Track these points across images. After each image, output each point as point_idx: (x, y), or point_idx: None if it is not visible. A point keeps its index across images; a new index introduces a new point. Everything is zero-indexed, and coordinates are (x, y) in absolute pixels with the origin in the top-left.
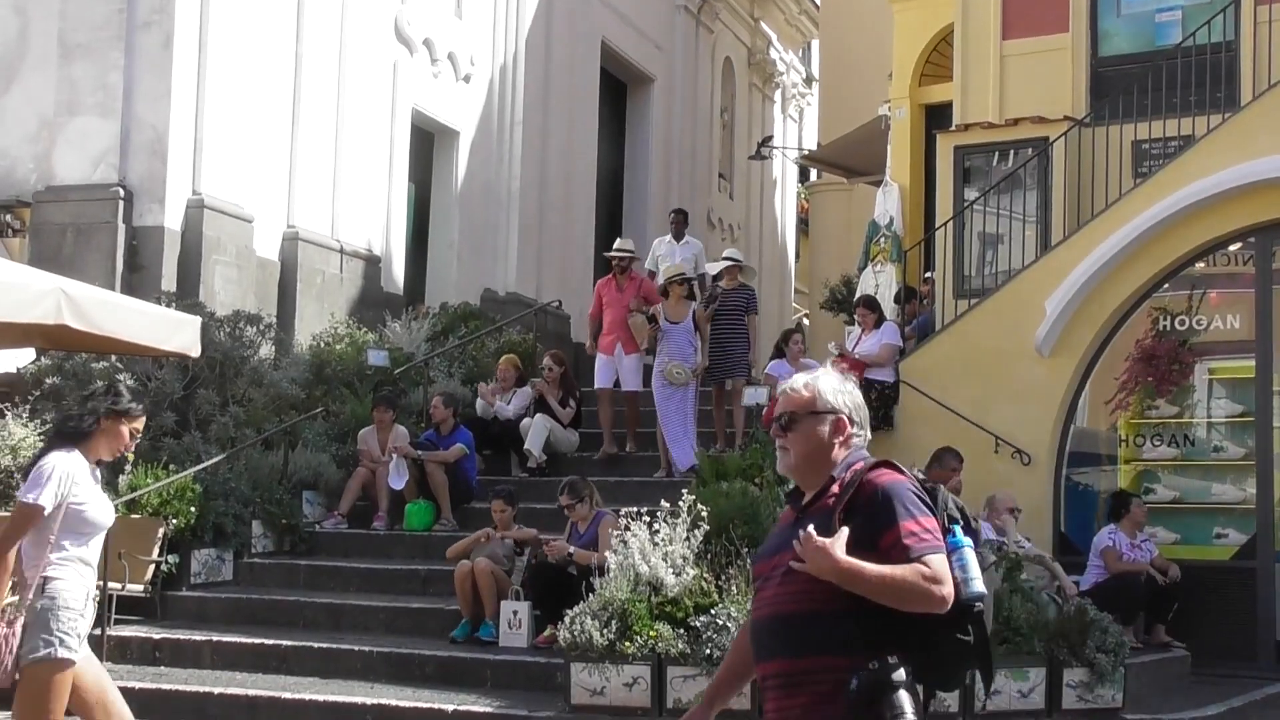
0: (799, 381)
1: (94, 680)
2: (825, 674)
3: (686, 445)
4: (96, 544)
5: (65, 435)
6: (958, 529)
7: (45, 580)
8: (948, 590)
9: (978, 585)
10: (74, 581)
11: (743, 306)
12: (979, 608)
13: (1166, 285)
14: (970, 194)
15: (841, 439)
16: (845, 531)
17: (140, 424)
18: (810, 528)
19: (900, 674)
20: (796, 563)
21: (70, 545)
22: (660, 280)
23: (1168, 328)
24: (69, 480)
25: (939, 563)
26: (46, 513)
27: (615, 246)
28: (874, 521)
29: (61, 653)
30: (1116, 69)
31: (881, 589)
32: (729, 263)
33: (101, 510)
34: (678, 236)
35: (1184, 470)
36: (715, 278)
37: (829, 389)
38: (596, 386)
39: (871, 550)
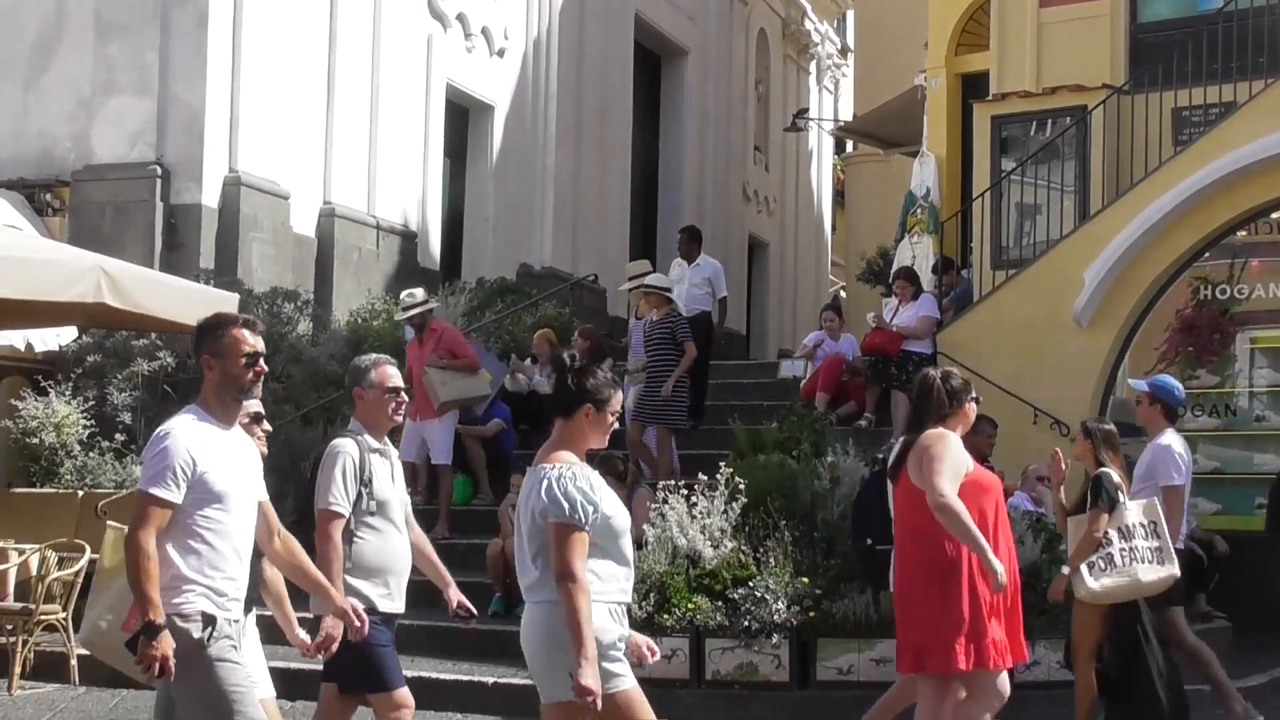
0: None
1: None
2: None
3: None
4: None
5: None
6: None
7: None
8: None
9: None
10: None
11: (669, 338)
12: None
13: (1207, 254)
14: (1008, 164)
15: None
16: None
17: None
18: None
19: None
20: None
21: None
22: (624, 287)
23: (1208, 297)
24: None
25: None
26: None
27: (402, 301)
28: None
29: None
30: (1156, 35)
31: None
32: (640, 287)
33: None
34: (689, 258)
35: (1225, 440)
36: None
37: None
38: (400, 459)
39: None
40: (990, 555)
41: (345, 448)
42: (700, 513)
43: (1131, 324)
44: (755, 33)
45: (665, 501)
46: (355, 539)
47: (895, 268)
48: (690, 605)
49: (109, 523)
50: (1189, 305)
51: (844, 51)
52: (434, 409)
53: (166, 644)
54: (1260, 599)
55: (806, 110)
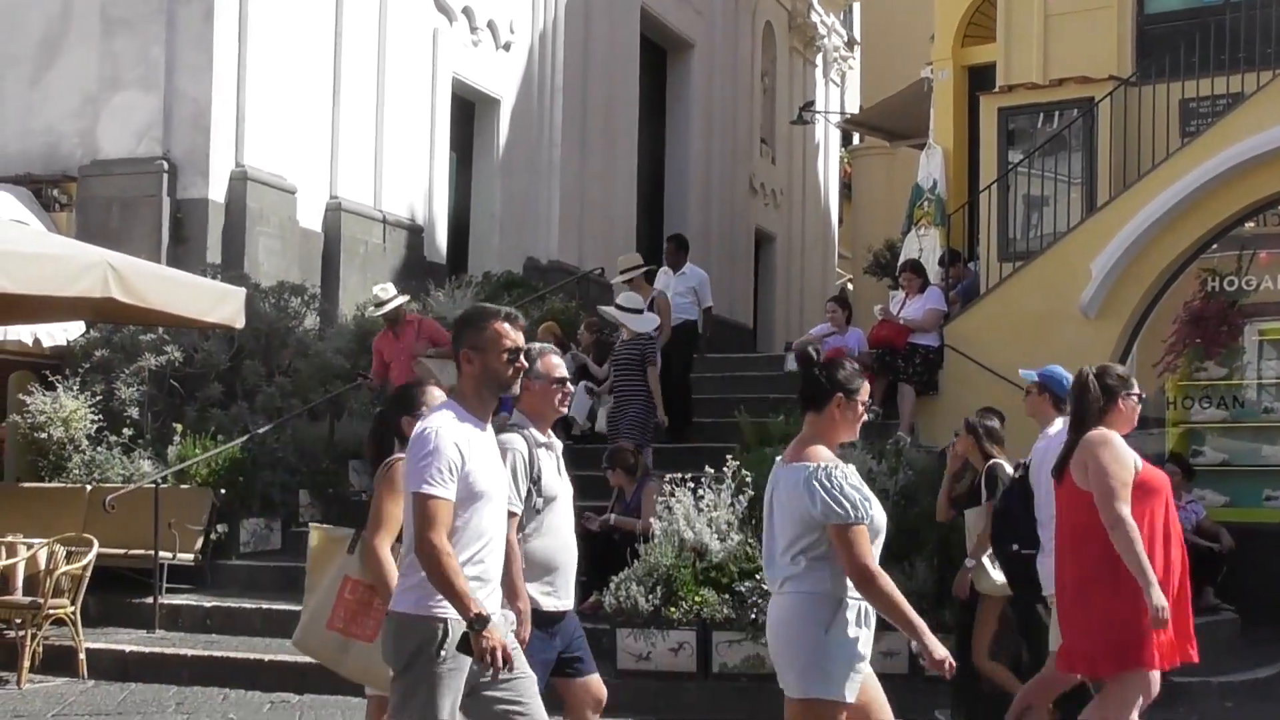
0: None
1: None
2: None
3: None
4: None
5: None
6: None
7: None
8: None
9: None
10: None
11: (637, 360)
12: None
13: (1215, 245)
14: (1014, 156)
15: None
16: None
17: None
18: None
19: None
20: None
21: None
22: (616, 280)
23: (1216, 288)
24: None
25: None
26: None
27: (375, 297)
28: None
29: None
30: (1163, 26)
31: None
32: (618, 312)
33: None
34: (675, 266)
35: (1233, 432)
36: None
37: None
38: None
39: None
40: (1154, 590)
41: (514, 443)
42: (707, 506)
43: (1139, 316)
44: (761, 26)
45: (672, 494)
46: (523, 537)
47: (902, 260)
48: (697, 598)
49: (312, 524)
50: (1197, 297)
51: (850, 44)
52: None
53: (497, 634)
54: (1268, 592)
55: (813, 103)
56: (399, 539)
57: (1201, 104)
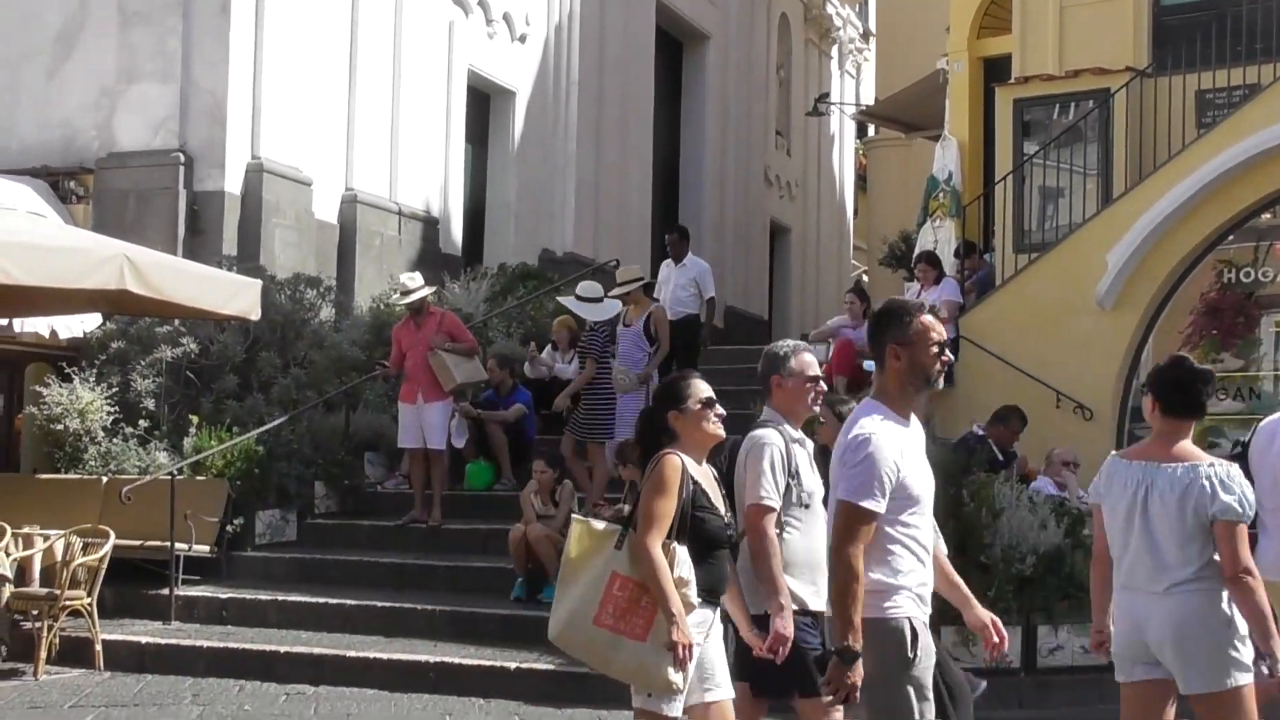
0: None
1: None
2: None
3: None
4: None
5: None
6: None
7: None
8: None
9: None
10: None
11: (597, 351)
12: None
13: (1231, 237)
14: (1030, 148)
15: None
16: None
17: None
18: None
19: None
20: None
21: None
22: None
23: (1233, 280)
24: None
25: None
26: None
27: (402, 285)
28: None
29: None
30: (1179, 17)
31: None
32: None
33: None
34: (677, 258)
35: (1250, 424)
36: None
37: None
38: (400, 445)
39: None
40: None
41: (770, 439)
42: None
43: (1155, 307)
44: (777, 17)
45: None
46: (783, 534)
47: (917, 252)
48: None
49: (575, 515)
50: (1213, 288)
51: (865, 36)
52: (444, 390)
53: (859, 673)
54: None
55: (828, 95)
56: (670, 535)
57: (1218, 95)
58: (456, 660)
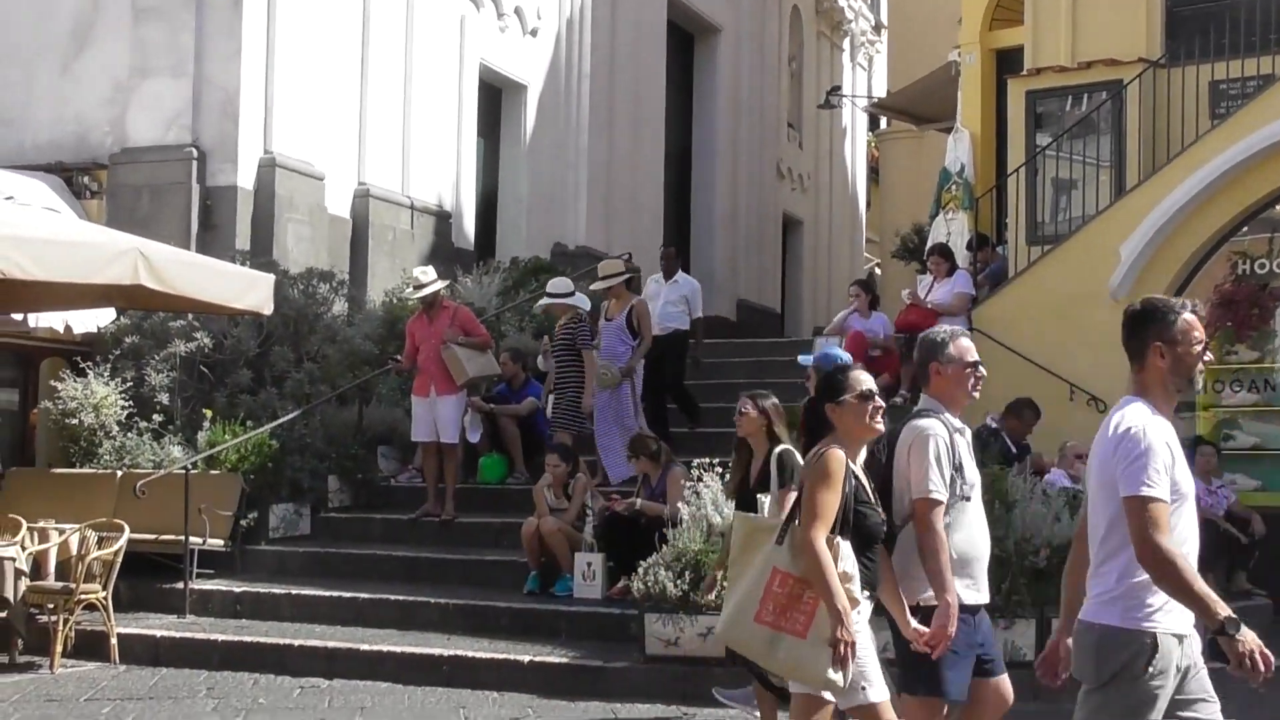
0: None
1: None
2: None
3: (619, 455)
4: None
5: None
6: None
7: None
8: None
9: None
10: None
11: (571, 344)
12: None
13: (1245, 228)
14: (1043, 139)
15: None
16: None
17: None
18: None
19: None
20: None
21: None
22: (594, 286)
23: (1247, 271)
24: None
25: None
26: None
27: (413, 279)
28: None
29: None
30: (1192, 8)
31: None
32: (553, 300)
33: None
34: (668, 274)
35: (1265, 416)
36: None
37: None
38: (414, 439)
39: None
40: None
41: (934, 429)
42: None
43: None
44: (788, 10)
45: (700, 480)
46: (946, 527)
47: (930, 244)
48: (726, 584)
49: (738, 513)
50: (1227, 280)
51: (877, 27)
52: (456, 384)
53: (1252, 636)
54: None
55: (840, 87)
56: (833, 530)
57: (1231, 86)
58: (470, 653)
